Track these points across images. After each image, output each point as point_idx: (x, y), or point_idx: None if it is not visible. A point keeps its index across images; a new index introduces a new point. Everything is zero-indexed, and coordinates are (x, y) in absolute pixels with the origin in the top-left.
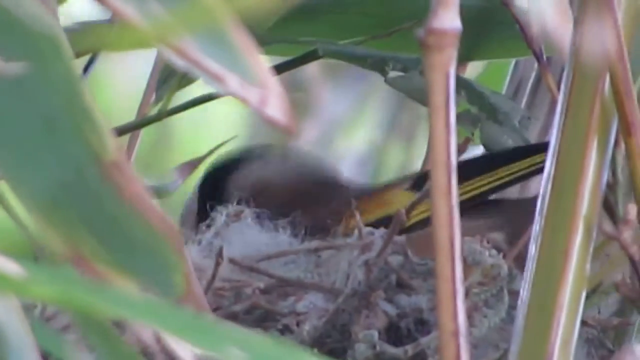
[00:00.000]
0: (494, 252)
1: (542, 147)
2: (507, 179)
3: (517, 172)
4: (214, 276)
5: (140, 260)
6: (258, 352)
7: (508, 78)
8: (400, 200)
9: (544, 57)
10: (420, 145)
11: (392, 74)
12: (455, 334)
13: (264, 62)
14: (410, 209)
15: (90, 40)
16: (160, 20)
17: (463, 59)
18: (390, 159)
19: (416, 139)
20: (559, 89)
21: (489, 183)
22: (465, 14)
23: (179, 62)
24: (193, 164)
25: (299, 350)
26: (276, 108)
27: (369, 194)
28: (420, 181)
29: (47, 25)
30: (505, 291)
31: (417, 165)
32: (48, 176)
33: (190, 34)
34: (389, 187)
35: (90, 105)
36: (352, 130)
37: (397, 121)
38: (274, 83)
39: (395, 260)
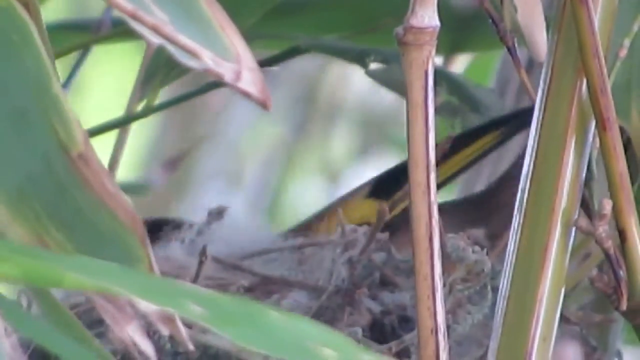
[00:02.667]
0: (477, 248)
1: (500, 122)
2: (465, 161)
3: (473, 153)
4: (197, 275)
5: (105, 251)
6: (217, 308)
7: (495, 75)
8: (361, 208)
9: (517, 52)
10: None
11: (373, 66)
12: (434, 331)
13: (237, 37)
14: (392, 206)
15: (86, 38)
16: None
17: (447, 52)
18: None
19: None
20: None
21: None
22: (448, 7)
23: (153, 39)
24: (176, 161)
25: (260, 306)
26: (250, 83)
27: (329, 209)
28: (379, 186)
29: (19, 17)
30: (489, 287)
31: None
32: (14, 167)
33: None
34: (346, 198)
35: (59, 96)
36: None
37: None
38: (248, 58)
39: (378, 257)
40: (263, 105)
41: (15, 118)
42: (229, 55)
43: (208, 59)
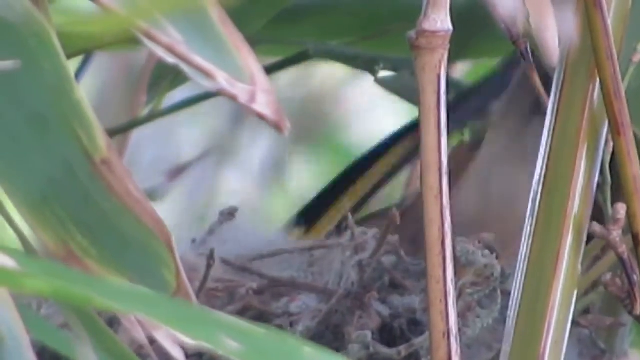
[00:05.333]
0: (487, 252)
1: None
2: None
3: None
4: (205, 278)
5: (131, 257)
6: (253, 343)
7: None
8: None
9: (530, 56)
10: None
11: (382, 74)
12: (447, 334)
13: (252, 58)
14: (400, 208)
15: (89, 42)
16: (138, 5)
17: (452, 59)
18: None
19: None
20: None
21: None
22: (453, 13)
23: (167, 58)
24: (181, 168)
25: (293, 341)
26: (265, 104)
27: None
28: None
29: (37, 22)
30: (499, 291)
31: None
32: (38, 173)
33: (169, 18)
34: None
35: (81, 102)
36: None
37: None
38: (262, 79)
39: (388, 260)
40: (278, 127)
41: (35, 124)
42: (244, 76)
43: (222, 80)
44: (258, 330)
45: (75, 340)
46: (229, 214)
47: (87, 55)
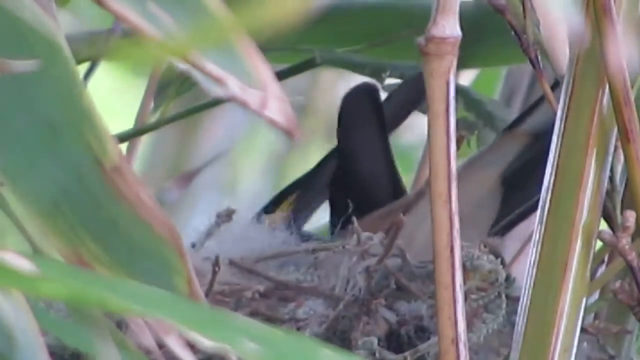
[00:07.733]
0: (491, 257)
1: None
2: None
3: None
4: (211, 284)
5: (142, 263)
6: (272, 345)
7: (501, 85)
8: None
9: (540, 63)
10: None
11: (389, 81)
12: (455, 341)
13: (264, 65)
14: (405, 211)
15: (96, 50)
16: (175, 36)
17: (458, 67)
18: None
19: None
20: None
21: None
22: (460, 22)
23: (179, 65)
24: (190, 176)
25: (312, 343)
26: (276, 111)
27: None
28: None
29: (47, 29)
30: (503, 297)
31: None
32: (49, 180)
33: (203, 50)
34: None
35: (91, 109)
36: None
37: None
38: (274, 86)
39: (393, 263)
40: (290, 134)
41: (45, 130)
42: (255, 82)
43: (234, 87)
44: (276, 332)
45: (97, 338)
46: (227, 215)
47: (92, 62)
